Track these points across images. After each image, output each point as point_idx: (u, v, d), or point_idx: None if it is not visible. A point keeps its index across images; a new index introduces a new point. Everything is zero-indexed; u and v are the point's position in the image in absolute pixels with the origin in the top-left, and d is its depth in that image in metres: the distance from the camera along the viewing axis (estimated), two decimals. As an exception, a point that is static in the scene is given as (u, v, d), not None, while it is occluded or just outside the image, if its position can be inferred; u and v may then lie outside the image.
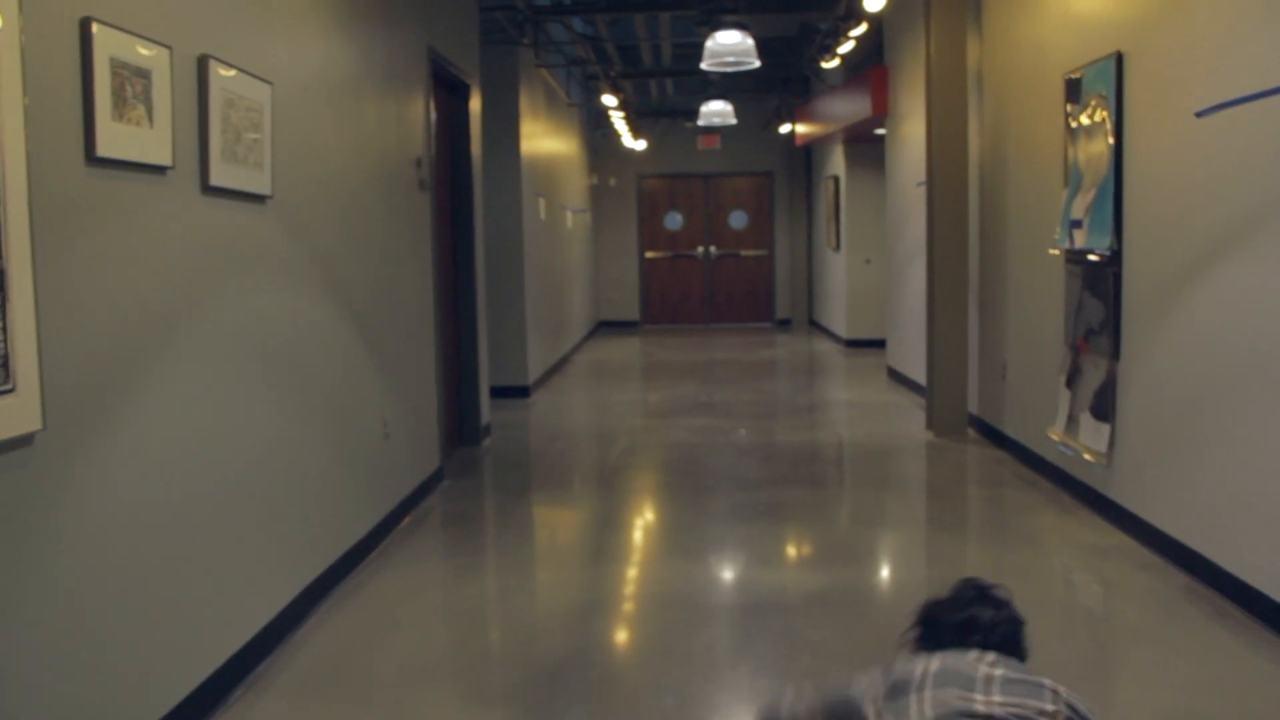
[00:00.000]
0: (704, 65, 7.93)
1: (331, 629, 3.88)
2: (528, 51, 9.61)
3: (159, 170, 2.95)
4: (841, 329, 13.27)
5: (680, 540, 5.03)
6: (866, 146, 12.46)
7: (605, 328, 16.38)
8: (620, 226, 16.63)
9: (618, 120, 12.79)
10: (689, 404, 9.25)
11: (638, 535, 5.29)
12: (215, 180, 3.25)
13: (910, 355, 9.27)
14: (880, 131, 11.02)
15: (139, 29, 2.81)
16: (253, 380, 3.56)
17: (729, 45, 7.67)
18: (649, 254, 16.71)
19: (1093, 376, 5.15)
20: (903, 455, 6.88)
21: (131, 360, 2.82)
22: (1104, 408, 5.00)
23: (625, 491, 6.19)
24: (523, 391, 9.31)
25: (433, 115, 6.13)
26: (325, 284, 4.28)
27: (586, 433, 8.10)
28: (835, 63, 8.94)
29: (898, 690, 2.11)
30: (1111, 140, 4.79)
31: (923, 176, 8.39)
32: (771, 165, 16.44)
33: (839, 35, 8.18)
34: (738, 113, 12.38)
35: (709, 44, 7.68)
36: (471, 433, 7.26)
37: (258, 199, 3.61)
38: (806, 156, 16.08)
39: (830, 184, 13.76)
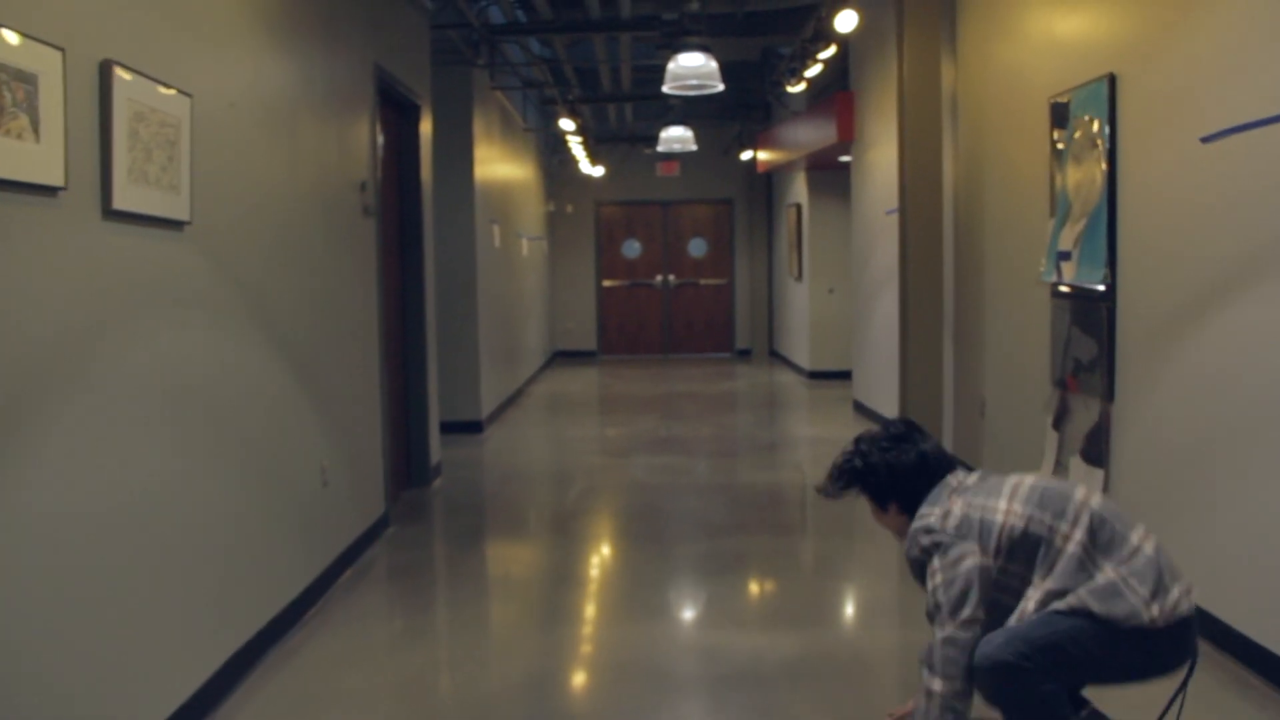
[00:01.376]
0: (666, 88, 7.59)
1: (260, 704, 3.45)
2: (482, 73, 9.25)
3: (48, 191, 2.55)
4: (804, 360, 12.98)
5: (642, 597, 4.64)
6: (830, 174, 12.21)
7: (562, 358, 15.99)
8: (577, 254, 16.27)
9: (575, 146, 12.46)
10: (648, 440, 8.88)
11: (596, 590, 4.90)
12: (120, 203, 2.84)
13: (878, 388, 8.97)
14: (845, 159, 10.76)
15: (22, 25, 2.41)
16: (161, 429, 3.14)
17: (691, 68, 7.34)
18: (606, 282, 16.36)
19: (1083, 418, 4.84)
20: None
21: (10, 412, 2.41)
22: (1096, 452, 4.69)
23: (583, 539, 5.79)
24: (476, 427, 8.89)
25: (379, 136, 5.74)
26: (253, 318, 3.87)
27: (542, 472, 7.69)
28: (801, 87, 8.66)
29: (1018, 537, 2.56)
30: (1104, 166, 4.49)
31: (892, 204, 8.12)
32: (732, 192, 16.17)
33: (805, 58, 7.90)
34: (698, 139, 12.09)
35: (671, 66, 7.35)
36: (420, 473, 6.83)
37: (173, 225, 3.21)
38: (768, 184, 15.83)
39: (792, 212, 13.50)
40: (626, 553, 5.50)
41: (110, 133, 2.79)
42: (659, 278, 16.32)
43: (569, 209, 16.11)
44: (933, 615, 2.60)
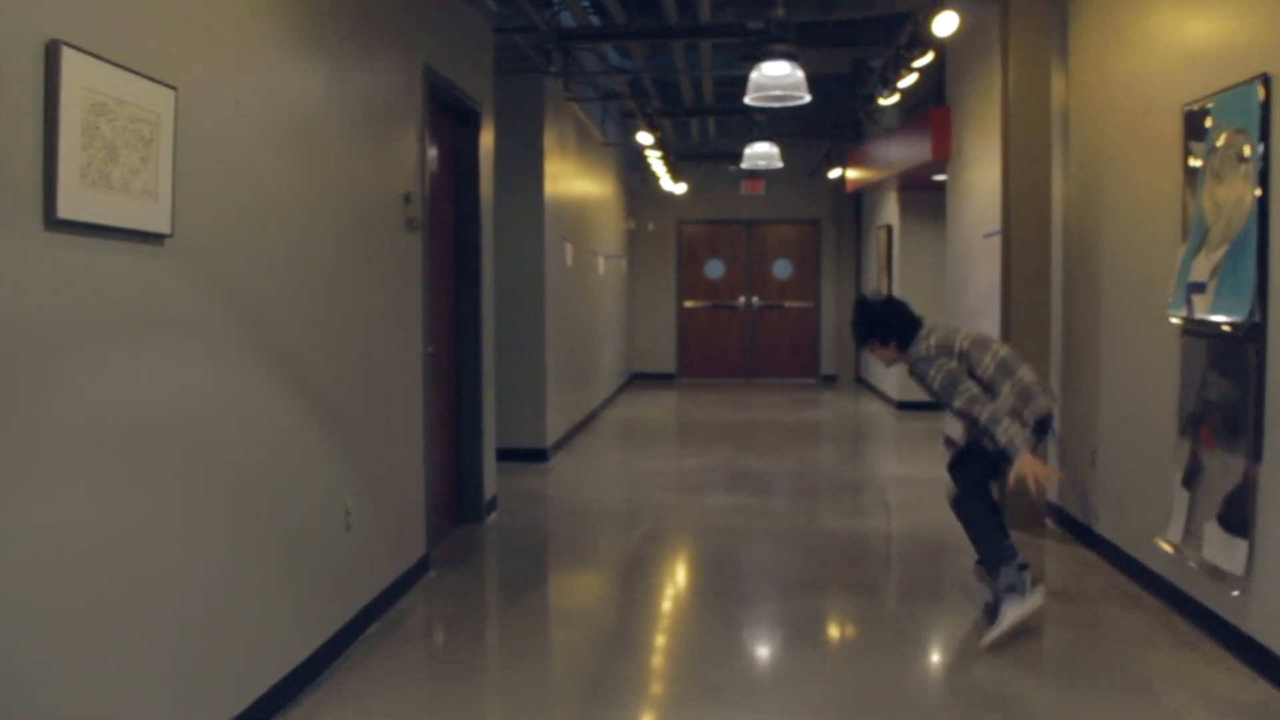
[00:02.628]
0: (748, 99, 7.05)
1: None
2: (555, 82, 8.79)
3: (-39, 195, 2.09)
4: (892, 389, 12.26)
5: (707, 675, 4.05)
6: (923, 194, 11.53)
7: (639, 380, 15.47)
8: (658, 274, 15.75)
9: (655, 161, 11.94)
10: (724, 474, 8.29)
11: (655, 662, 4.32)
12: (67, 211, 2.38)
13: (973, 426, 8.26)
14: (940, 177, 10.08)
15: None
16: (133, 473, 2.67)
17: (776, 78, 6.79)
18: (688, 303, 15.81)
19: (1221, 478, 4.15)
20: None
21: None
22: (1238, 519, 4.00)
23: (645, 593, 5.22)
24: (540, 455, 8.40)
25: (429, 145, 5.28)
26: (257, 345, 3.40)
27: (607, 509, 7.15)
28: (894, 99, 8.03)
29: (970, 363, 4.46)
30: (1254, 184, 3.82)
31: (991, 227, 7.44)
32: (819, 213, 15.52)
33: (900, 67, 7.27)
34: (784, 157, 11.49)
35: (754, 76, 6.81)
36: (473, 508, 6.34)
37: (149, 238, 2.74)
38: (856, 204, 15.16)
39: (882, 234, 12.82)
40: (692, 613, 4.92)
41: (56, 126, 2.33)
42: (742, 299, 15.72)
43: (650, 227, 15.61)
44: (943, 402, 4.52)
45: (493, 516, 6.55)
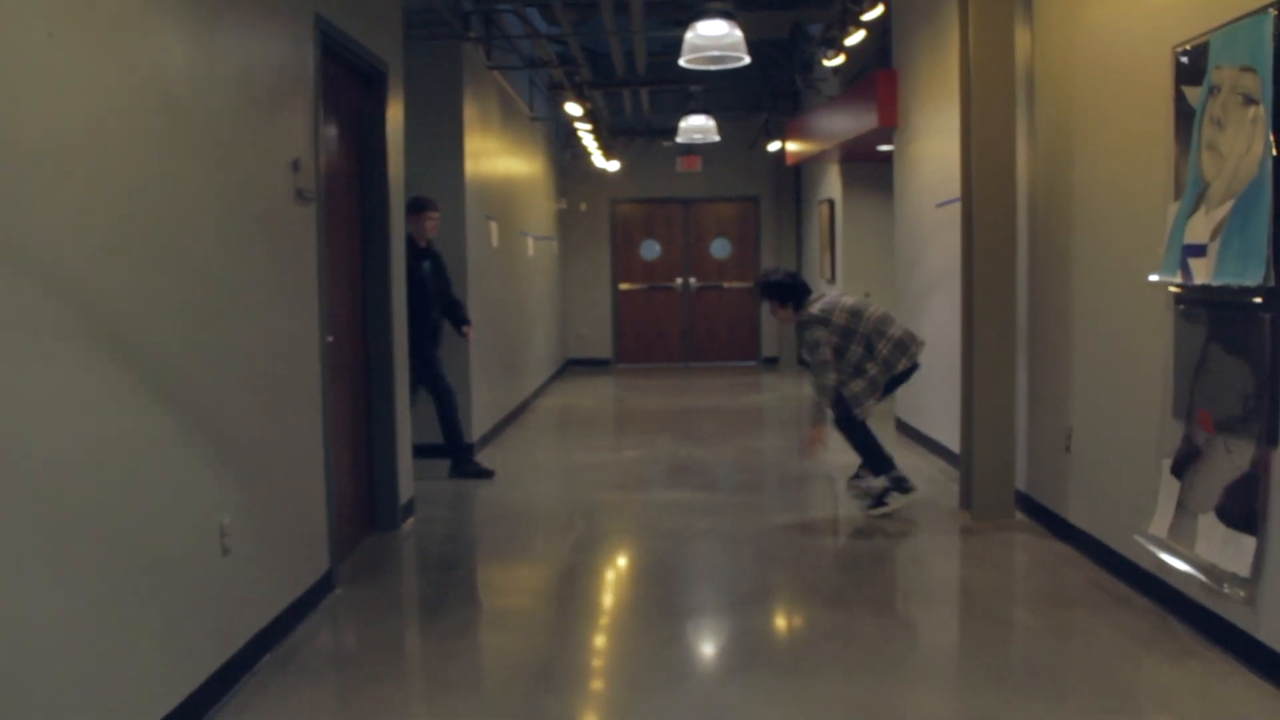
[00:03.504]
0: (683, 61, 6.50)
1: None
2: (476, 50, 8.15)
3: None
4: (838, 371, 11.80)
5: (651, 710, 3.50)
6: (868, 166, 11.07)
7: (574, 367, 14.88)
8: (591, 256, 15.14)
9: (586, 137, 11.33)
10: (666, 467, 7.75)
11: (592, 694, 3.75)
12: None
13: (929, 408, 7.80)
14: (886, 148, 9.61)
15: None
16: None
17: (713, 38, 6.25)
18: (623, 286, 15.23)
19: (1223, 465, 3.67)
20: (933, 550, 5.39)
21: None
22: (1244, 513, 3.52)
23: (580, 612, 4.63)
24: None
25: (323, 106, 4.64)
26: (92, 340, 2.76)
27: (537, 510, 6.56)
28: (839, 60, 7.52)
29: (847, 329, 5.80)
30: (1268, 131, 3.33)
31: (943, 195, 6.97)
32: (758, 189, 15.01)
33: (846, 23, 6.75)
34: (721, 131, 10.95)
35: (689, 36, 6.26)
36: (387, 514, 5.72)
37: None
38: (796, 179, 14.67)
39: (824, 208, 12.34)
40: (635, 634, 4.35)
41: None
42: (679, 280, 15.18)
43: (582, 207, 14.99)
44: (805, 360, 6.99)
45: (409, 522, 5.94)
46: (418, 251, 6.74)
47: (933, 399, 7.61)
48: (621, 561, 5.41)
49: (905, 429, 8.51)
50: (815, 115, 10.88)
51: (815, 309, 5.79)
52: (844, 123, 9.62)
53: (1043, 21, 5.45)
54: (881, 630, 4.22)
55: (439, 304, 7.03)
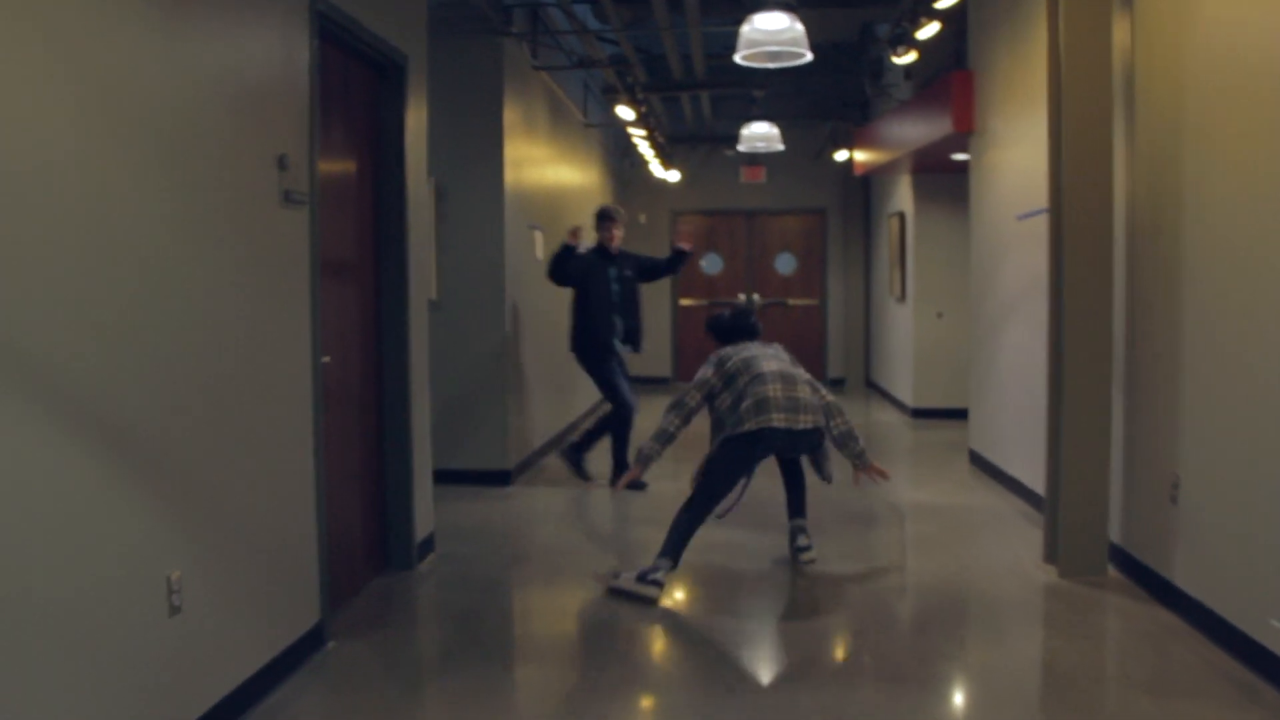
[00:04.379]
0: (739, 57, 5.93)
1: None
2: (520, 48, 7.64)
3: None
4: (907, 395, 11.09)
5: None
6: (941, 177, 10.35)
7: (634, 384, 14.27)
8: (650, 269, 14.54)
9: (641, 143, 10.76)
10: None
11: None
12: None
13: (1005, 439, 7.08)
14: (960, 156, 8.92)
15: None
16: None
17: (772, 31, 5.66)
18: (684, 301, 14.61)
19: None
20: (1013, 612, 4.68)
21: None
22: None
23: (609, 680, 4.02)
24: (500, 478, 7.24)
25: (319, 97, 4.11)
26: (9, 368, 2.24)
27: (573, 550, 5.96)
28: (909, 57, 6.87)
29: (731, 375, 4.97)
30: None
31: (1026, 206, 6.29)
32: (824, 201, 14.32)
33: (918, 15, 6.10)
34: (785, 139, 10.30)
35: (745, 30, 5.69)
36: (401, 553, 5.17)
37: None
38: (865, 191, 13.97)
39: (894, 222, 11.63)
40: (680, 708, 3.75)
41: None
42: (742, 296, 14.53)
43: (642, 219, 14.40)
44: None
45: (429, 559, 5.38)
46: (607, 257, 7.34)
47: (1011, 431, 6.91)
48: (664, 615, 4.79)
49: (979, 461, 7.79)
50: (885, 122, 10.19)
51: (726, 349, 5.18)
52: (915, 130, 8.93)
53: (1146, 12, 4.76)
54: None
55: (622, 314, 7.40)
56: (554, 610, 4.90)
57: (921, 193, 10.62)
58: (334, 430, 4.40)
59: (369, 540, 4.94)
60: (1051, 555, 5.10)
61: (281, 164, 3.72)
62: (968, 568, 5.28)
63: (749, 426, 4.81)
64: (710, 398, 5.08)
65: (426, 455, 5.45)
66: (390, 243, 5.04)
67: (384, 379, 5.07)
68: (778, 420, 4.80)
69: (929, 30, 6.27)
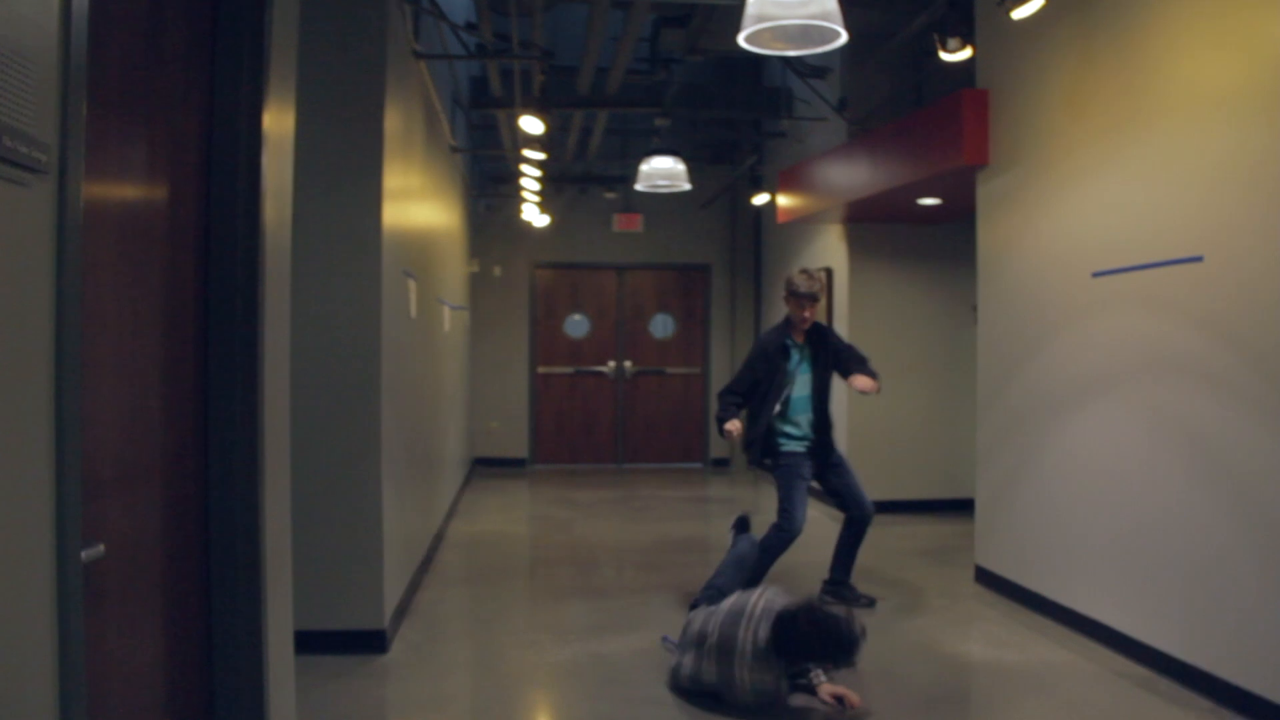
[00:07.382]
0: (742, 39, 4.19)
1: None
2: (401, 20, 5.51)
3: None
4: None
5: None
6: (878, 227, 8.73)
7: (482, 469, 12.04)
8: (506, 332, 12.38)
9: (529, 175, 8.68)
10: (649, 667, 5.03)
11: None
12: None
13: (1071, 568, 5.32)
14: (928, 202, 7.29)
15: None
16: None
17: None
18: (542, 369, 12.52)
19: None
20: None
21: None
22: None
23: None
24: (374, 641, 4.95)
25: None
26: None
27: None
28: (965, 53, 5.15)
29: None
30: None
31: (1108, 262, 4.61)
32: (709, 255, 12.55)
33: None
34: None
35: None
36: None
37: None
38: (756, 243, 12.28)
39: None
40: None
41: None
42: (611, 364, 12.56)
43: (496, 271, 12.28)
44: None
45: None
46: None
47: (1084, 558, 5.16)
48: None
49: (1002, 585, 6.01)
50: (827, 161, 8.44)
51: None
52: (891, 168, 7.19)
53: None
54: None
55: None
56: None
57: (858, 245, 8.94)
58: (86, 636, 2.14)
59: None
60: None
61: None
62: None
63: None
64: None
65: (286, 616, 3.18)
66: (233, 302, 2.81)
67: (210, 518, 2.80)
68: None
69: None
